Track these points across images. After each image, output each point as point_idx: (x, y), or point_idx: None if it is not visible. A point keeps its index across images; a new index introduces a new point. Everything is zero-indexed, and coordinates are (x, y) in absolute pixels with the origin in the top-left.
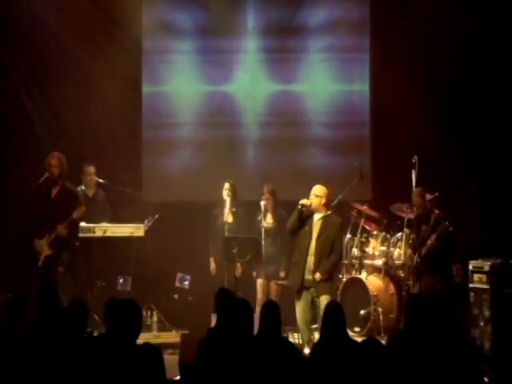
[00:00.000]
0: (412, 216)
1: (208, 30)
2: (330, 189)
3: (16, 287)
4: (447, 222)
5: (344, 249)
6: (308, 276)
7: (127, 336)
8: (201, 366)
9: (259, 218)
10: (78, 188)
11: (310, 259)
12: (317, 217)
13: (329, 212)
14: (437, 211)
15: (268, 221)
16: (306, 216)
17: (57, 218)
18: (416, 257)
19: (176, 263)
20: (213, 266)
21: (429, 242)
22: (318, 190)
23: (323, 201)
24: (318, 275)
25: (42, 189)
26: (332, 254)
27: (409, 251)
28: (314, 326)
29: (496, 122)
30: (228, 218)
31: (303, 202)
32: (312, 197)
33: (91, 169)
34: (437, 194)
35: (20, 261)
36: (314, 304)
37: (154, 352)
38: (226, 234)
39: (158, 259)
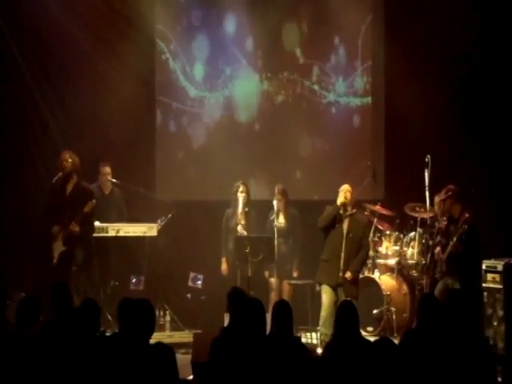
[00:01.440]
0: (425, 215)
1: (221, 29)
2: (354, 186)
3: (30, 287)
4: (466, 226)
5: None
6: (340, 273)
7: (140, 335)
8: (214, 366)
9: (272, 218)
10: (94, 184)
11: (342, 257)
12: (344, 214)
13: (354, 210)
14: (467, 214)
15: (280, 220)
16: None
17: (71, 215)
18: (429, 256)
19: (189, 263)
20: (224, 266)
21: (450, 243)
22: (349, 187)
23: (353, 199)
24: (349, 275)
25: (57, 186)
26: (361, 252)
27: (437, 249)
28: None
29: (510, 120)
30: (241, 218)
31: (342, 200)
32: (347, 193)
33: (107, 169)
34: (450, 193)
35: (33, 260)
36: (337, 300)
37: (167, 351)
38: (239, 234)
39: (171, 259)
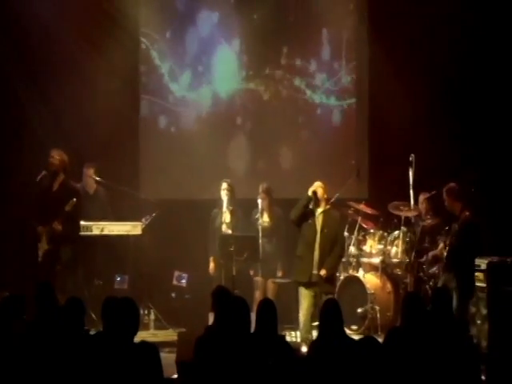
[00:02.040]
0: (410, 214)
1: (207, 26)
2: (337, 183)
3: (14, 286)
4: (456, 225)
5: None
6: (314, 271)
7: (124, 334)
8: (198, 364)
9: (256, 217)
10: (79, 185)
11: (316, 253)
12: (318, 211)
13: (328, 206)
14: (467, 213)
15: (264, 219)
16: (308, 209)
17: (55, 213)
18: (413, 255)
19: (173, 261)
20: (212, 265)
21: (453, 237)
22: (321, 183)
23: (325, 194)
24: (323, 272)
25: (43, 184)
26: (336, 248)
27: (441, 245)
28: (315, 323)
29: (494, 120)
30: (226, 217)
31: (312, 189)
32: (317, 187)
33: (91, 171)
34: (434, 192)
35: (18, 259)
36: (315, 301)
37: (151, 350)
38: (223, 232)
39: (156, 257)
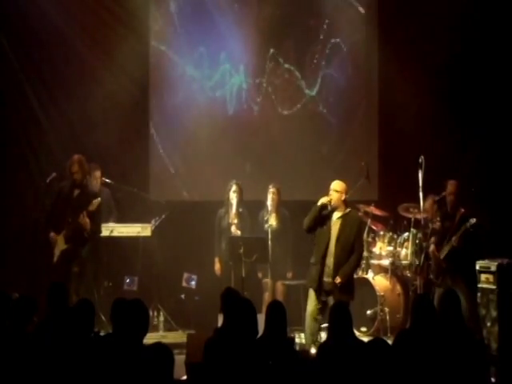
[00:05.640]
0: (419, 216)
1: (216, 30)
2: (347, 185)
3: (25, 286)
4: (475, 219)
5: None
6: (327, 278)
7: (134, 336)
8: (207, 366)
9: (266, 218)
10: None
11: (329, 261)
12: (336, 215)
13: (348, 209)
14: (463, 209)
15: (272, 221)
16: (324, 214)
17: (74, 215)
18: (422, 257)
19: (183, 263)
20: (217, 266)
21: (453, 238)
22: (338, 185)
23: (343, 196)
24: (338, 279)
25: (64, 191)
26: (353, 256)
27: (432, 247)
28: (325, 325)
29: (504, 121)
30: (234, 218)
31: (323, 200)
32: (332, 192)
33: (97, 173)
34: (444, 193)
35: (29, 260)
36: (326, 304)
37: (166, 352)
38: (232, 234)
39: (165, 259)
